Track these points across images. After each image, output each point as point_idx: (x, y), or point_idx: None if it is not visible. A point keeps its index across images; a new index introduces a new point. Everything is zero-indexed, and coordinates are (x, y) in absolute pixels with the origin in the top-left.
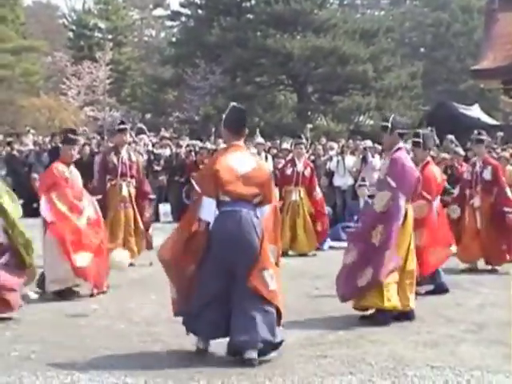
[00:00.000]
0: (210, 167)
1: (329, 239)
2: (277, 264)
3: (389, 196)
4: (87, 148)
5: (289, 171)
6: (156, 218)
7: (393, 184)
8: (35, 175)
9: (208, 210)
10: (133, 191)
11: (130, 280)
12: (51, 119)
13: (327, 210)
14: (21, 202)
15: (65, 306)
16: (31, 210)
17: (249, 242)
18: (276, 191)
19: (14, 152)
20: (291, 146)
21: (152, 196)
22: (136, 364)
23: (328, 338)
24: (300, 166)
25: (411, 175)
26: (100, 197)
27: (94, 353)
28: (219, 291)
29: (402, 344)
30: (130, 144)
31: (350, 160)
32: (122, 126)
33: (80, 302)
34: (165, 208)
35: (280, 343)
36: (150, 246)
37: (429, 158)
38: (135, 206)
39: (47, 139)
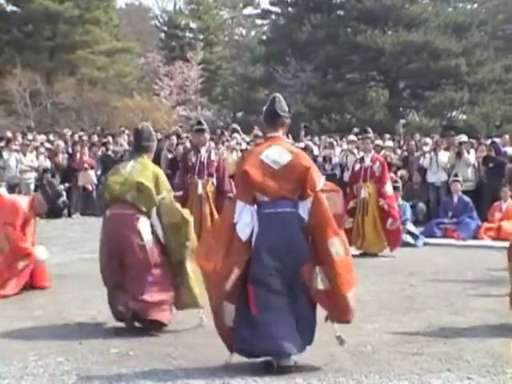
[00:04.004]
0: (240, 168)
1: (423, 236)
2: (346, 253)
3: None
4: (180, 147)
5: (357, 167)
6: None
7: None
8: None
9: (240, 215)
10: (210, 189)
11: None
12: (144, 119)
13: (420, 206)
14: None
15: None
16: None
17: (297, 247)
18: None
19: (109, 152)
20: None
21: (231, 194)
22: (232, 360)
23: (424, 335)
24: (368, 161)
25: None
26: (181, 193)
27: (190, 349)
28: (283, 306)
29: (501, 341)
30: (217, 143)
31: (444, 156)
32: (198, 127)
33: None
34: None
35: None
36: None
37: None
38: (212, 204)
39: None
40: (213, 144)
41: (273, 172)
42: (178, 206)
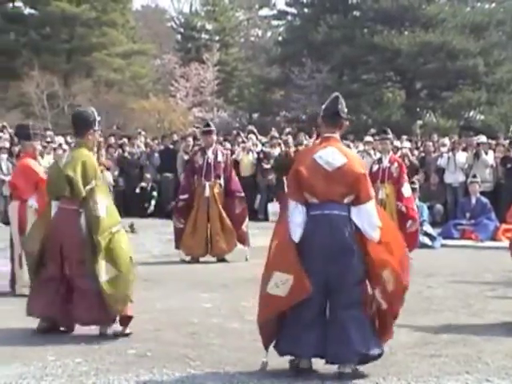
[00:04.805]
0: (293, 167)
1: (440, 237)
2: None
3: None
4: (196, 149)
5: (375, 168)
6: (265, 217)
7: None
8: (148, 175)
9: (292, 215)
10: (218, 191)
11: (243, 279)
12: (160, 121)
13: (438, 207)
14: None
15: (177, 304)
16: (142, 211)
17: (343, 249)
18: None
19: (126, 154)
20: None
21: (240, 194)
22: (249, 361)
23: (442, 337)
24: (386, 162)
25: None
26: (187, 196)
27: (207, 350)
28: (317, 309)
29: None
30: (232, 145)
31: (462, 156)
32: (206, 129)
33: (192, 301)
34: (273, 207)
35: (378, 356)
36: (245, 243)
37: None
38: (220, 205)
39: (157, 141)
40: (220, 146)
41: (325, 174)
42: (101, 198)
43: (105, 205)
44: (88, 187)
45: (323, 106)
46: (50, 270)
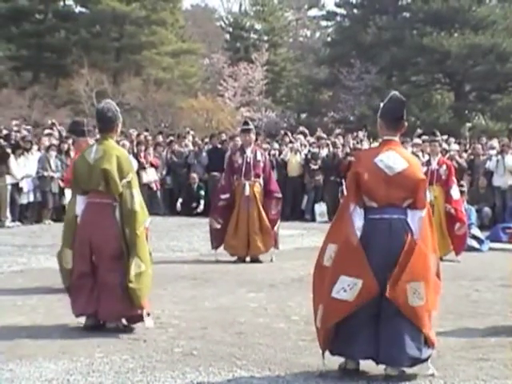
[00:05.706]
0: (352, 169)
1: (488, 240)
2: (438, 275)
3: None
4: (235, 148)
5: (423, 170)
6: (312, 217)
7: None
8: (194, 175)
9: (353, 217)
10: (258, 190)
11: (289, 279)
12: (208, 120)
13: (486, 210)
14: (180, 200)
15: (225, 303)
16: (190, 210)
17: (401, 254)
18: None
19: (174, 153)
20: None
21: (278, 195)
22: (295, 362)
23: (490, 341)
24: (434, 164)
25: None
26: (228, 195)
27: (254, 350)
28: (371, 311)
29: None
30: (280, 145)
31: (511, 159)
32: (245, 127)
33: (240, 300)
34: (321, 208)
35: (426, 359)
36: (275, 245)
37: None
38: (260, 205)
39: (206, 140)
40: (258, 146)
41: (385, 178)
42: (137, 191)
43: (139, 198)
44: (124, 180)
45: (383, 107)
46: (79, 267)
